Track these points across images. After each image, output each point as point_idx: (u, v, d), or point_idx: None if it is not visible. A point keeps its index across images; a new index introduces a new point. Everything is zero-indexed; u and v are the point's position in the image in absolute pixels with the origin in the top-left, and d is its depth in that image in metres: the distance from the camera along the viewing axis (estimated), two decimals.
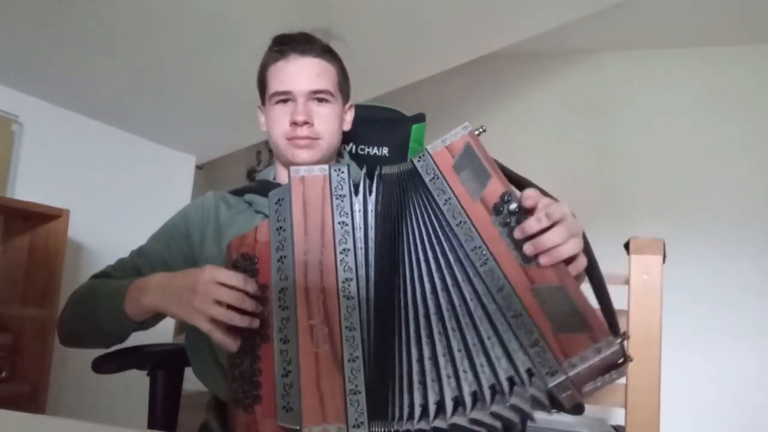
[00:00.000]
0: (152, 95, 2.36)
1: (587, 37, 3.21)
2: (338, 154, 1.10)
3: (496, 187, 0.74)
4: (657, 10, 2.89)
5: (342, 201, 0.77)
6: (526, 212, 0.72)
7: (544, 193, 0.76)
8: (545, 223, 0.69)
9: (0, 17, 1.77)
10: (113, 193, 2.55)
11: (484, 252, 0.72)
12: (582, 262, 0.73)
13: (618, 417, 2.47)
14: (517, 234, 0.71)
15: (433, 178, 0.77)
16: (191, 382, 1.03)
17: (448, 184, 0.76)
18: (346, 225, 0.76)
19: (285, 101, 0.99)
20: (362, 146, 1.17)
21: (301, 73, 0.98)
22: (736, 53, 3.14)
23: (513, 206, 0.72)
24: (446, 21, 2.08)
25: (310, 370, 0.70)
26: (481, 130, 0.79)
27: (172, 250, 1.01)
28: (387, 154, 1.18)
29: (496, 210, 0.73)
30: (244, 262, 0.78)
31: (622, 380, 1.66)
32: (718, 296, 2.98)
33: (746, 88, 3.11)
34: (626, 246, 1.68)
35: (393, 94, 2.50)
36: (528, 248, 0.70)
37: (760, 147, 3.05)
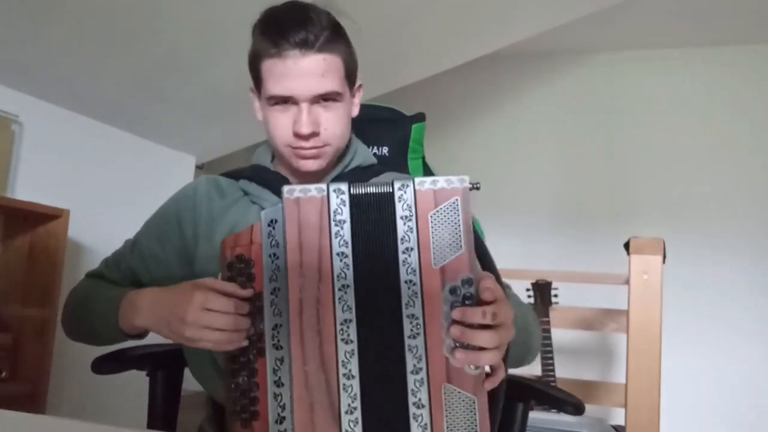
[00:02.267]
0: (152, 95, 2.36)
1: (587, 37, 3.21)
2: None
3: (461, 265, 0.68)
4: (657, 10, 2.89)
5: (341, 228, 0.70)
6: (479, 302, 0.67)
7: (499, 282, 0.72)
8: (488, 321, 0.65)
9: (0, 17, 1.77)
10: (113, 193, 2.55)
11: (418, 325, 0.67)
12: (500, 375, 0.70)
13: (618, 417, 2.47)
14: (456, 314, 0.66)
15: (407, 217, 0.69)
16: (191, 382, 1.03)
17: (417, 233, 0.69)
18: (346, 257, 0.69)
19: (285, 103, 0.88)
20: None
21: (303, 76, 0.85)
22: (736, 53, 3.14)
23: (469, 293, 0.67)
24: (446, 21, 2.08)
25: (305, 422, 0.67)
26: (474, 186, 0.72)
27: (165, 246, 0.98)
28: (387, 154, 1.17)
29: (452, 290, 0.67)
30: (239, 265, 0.73)
31: (622, 380, 1.66)
32: (718, 296, 2.98)
33: (746, 87, 3.11)
34: (626, 246, 1.68)
35: (393, 93, 2.50)
36: (455, 331, 0.66)
37: (760, 146, 3.05)
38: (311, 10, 0.88)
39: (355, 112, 0.98)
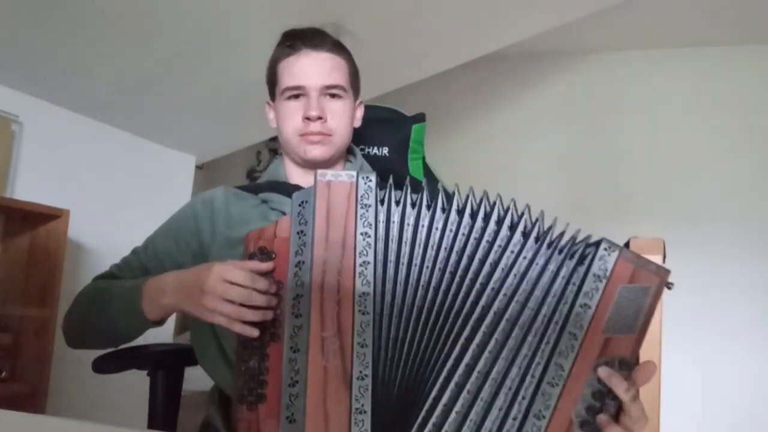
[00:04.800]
0: (152, 95, 2.36)
1: (587, 37, 3.21)
2: (350, 152, 1.08)
3: (626, 346, 0.69)
4: (657, 10, 2.89)
5: (367, 211, 0.75)
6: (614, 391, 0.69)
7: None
8: (626, 398, 0.68)
9: (0, 17, 1.77)
10: (113, 193, 2.55)
11: (561, 377, 0.69)
12: None
13: None
14: (603, 372, 0.68)
15: (599, 276, 0.70)
16: (191, 382, 1.03)
17: (600, 297, 0.69)
18: (369, 237, 0.74)
19: (297, 96, 0.98)
20: (362, 146, 1.17)
21: (314, 68, 0.97)
22: (736, 53, 3.14)
23: (622, 374, 0.69)
24: (446, 21, 2.08)
25: (317, 385, 0.70)
26: (669, 285, 0.72)
27: (181, 247, 1.00)
28: (387, 154, 1.18)
29: (607, 364, 0.69)
30: (261, 256, 0.78)
31: None
32: (718, 296, 2.98)
33: (746, 88, 3.11)
34: (626, 246, 1.68)
35: (393, 94, 2.50)
36: (602, 371, 0.68)
37: (760, 146, 3.05)
38: (324, 30, 1.02)
39: (357, 124, 1.06)
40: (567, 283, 0.71)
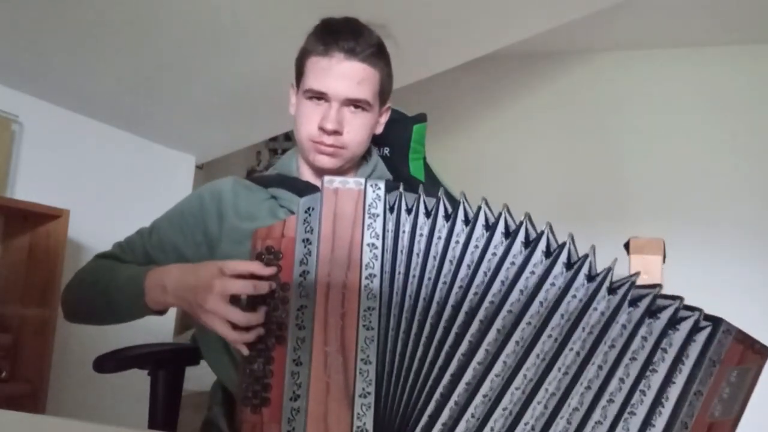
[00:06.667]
0: (152, 95, 2.36)
1: (587, 37, 3.21)
2: (367, 152, 1.06)
3: (725, 430, 0.66)
4: (657, 10, 2.89)
5: (374, 220, 0.73)
6: None
7: None
8: None
9: (0, 17, 1.76)
10: (113, 193, 2.55)
11: None
12: None
13: None
14: None
15: (713, 361, 0.63)
16: (192, 382, 1.03)
17: (711, 380, 0.63)
18: (376, 248, 0.72)
19: (318, 99, 0.94)
20: None
21: (342, 78, 0.92)
22: (736, 53, 3.14)
23: None
24: (446, 21, 2.08)
25: (318, 401, 0.68)
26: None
27: (186, 237, 0.99)
28: (388, 154, 1.18)
29: None
30: (268, 256, 0.76)
31: None
32: (718, 296, 2.98)
33: (746, 88, 3.11)
34: (626, 246, 1.68)
35: (393, 94, 2.50)
36: None
37: (760, 147, 3.05)
38: (364, 27, 0.97)
39: (379, 130, 1.04)
40: (676, 361, 0.64)
